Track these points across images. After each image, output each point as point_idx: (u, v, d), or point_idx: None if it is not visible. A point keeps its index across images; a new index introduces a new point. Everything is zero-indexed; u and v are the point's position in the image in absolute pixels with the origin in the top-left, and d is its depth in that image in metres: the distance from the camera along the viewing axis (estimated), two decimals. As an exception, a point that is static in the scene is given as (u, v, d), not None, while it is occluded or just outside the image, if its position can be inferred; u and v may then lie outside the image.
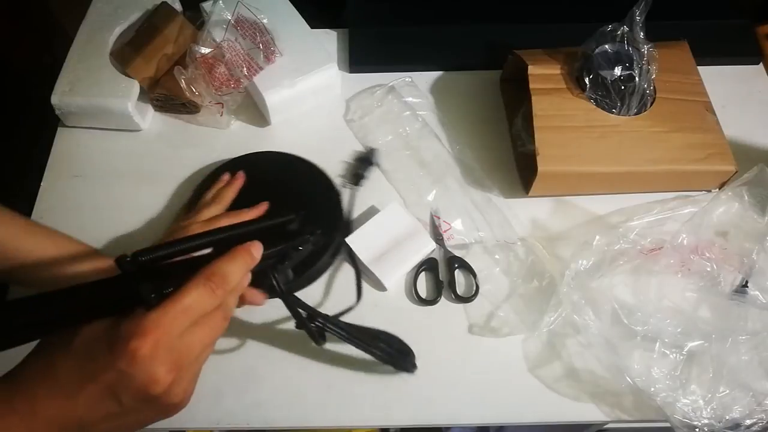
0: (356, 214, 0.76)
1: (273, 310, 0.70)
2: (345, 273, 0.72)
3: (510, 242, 0.73)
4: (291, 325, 0.68)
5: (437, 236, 0.74)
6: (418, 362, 0.65)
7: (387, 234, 0.72)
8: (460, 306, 0.70)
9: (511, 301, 0.70)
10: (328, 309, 0.68)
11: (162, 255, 0.38)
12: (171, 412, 0.38)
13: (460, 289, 0.71)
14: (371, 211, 0.76)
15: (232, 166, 0.76)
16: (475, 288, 0.70)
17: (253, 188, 0.73)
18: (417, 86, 0.87)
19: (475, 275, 0.71)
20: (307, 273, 0.70)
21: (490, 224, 0.75)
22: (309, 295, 0.70)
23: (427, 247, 0.72)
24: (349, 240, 0.70)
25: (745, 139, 0.82)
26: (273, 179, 0.75)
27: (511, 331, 0.67)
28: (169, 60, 0.82)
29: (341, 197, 0.76)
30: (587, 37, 0.75)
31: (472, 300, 0.70)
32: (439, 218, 0.76)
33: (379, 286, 0.70)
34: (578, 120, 0.73)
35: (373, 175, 0.79)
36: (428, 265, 0.72)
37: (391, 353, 0.62)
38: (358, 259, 0.70)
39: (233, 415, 0.64)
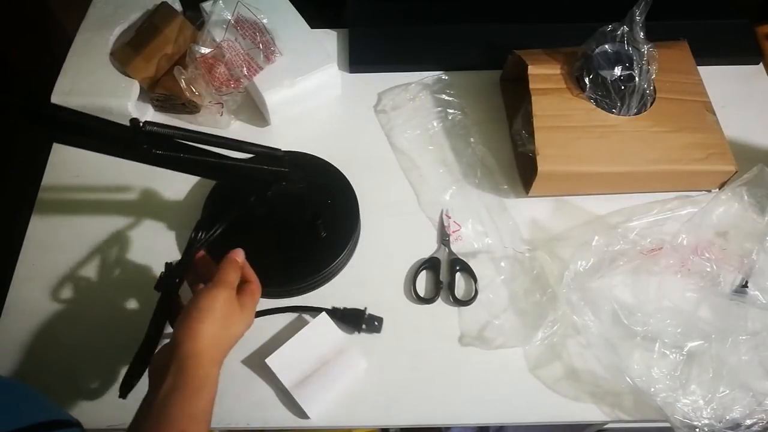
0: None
1: (272, 310, 0.70)
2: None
3: (518, 251, 0.73)
4: (291, 326, 0.69)
5: (444, 236, 0.74)
6: (416, 362, 0.66)
7: (313, 352, 0.65)
8: (457, 308, 0.70)
9: (508, 312, 0.69)
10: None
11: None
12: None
13: (459, 292, 0.71)
14: (298, 323, 0.69)
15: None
16: (473, 293, 0.70)
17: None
18: (453, 84, 0.87)
19: (476, 280, 0.71)
20: (325, 271, 0.70)
21: (500, 231, 0.75)
22: (323, 293, 0.71)
23: (357, 370, 0.65)
24: (269, 361, 0.64)
25: (745, 139, 0.82)
26: None
27: (503, 344, 0.67)
28: (169, 60, 0.82)
29: (357, 198, 0.75)
30: (587, 37, 0.75)
31: (470, 304, 0.70)
32: (449, 218, 0.76)
33: (301, 414, 0.63)
34: (578, 120, 0.73)
35: (389, 173, 0.80)
36: (430, 264, 0.72)
37: None
38: (278, 379, 0.64)
39: (233, 415, 0.64)
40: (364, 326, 0.67)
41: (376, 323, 0.68)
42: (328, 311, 0.68)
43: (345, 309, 0.69)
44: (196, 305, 0.53)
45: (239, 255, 0.60)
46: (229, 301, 0.55)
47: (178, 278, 0.60)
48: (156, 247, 0.74)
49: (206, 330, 0.52)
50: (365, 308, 0.68)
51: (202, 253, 0.62)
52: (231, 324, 0.54)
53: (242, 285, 0.59)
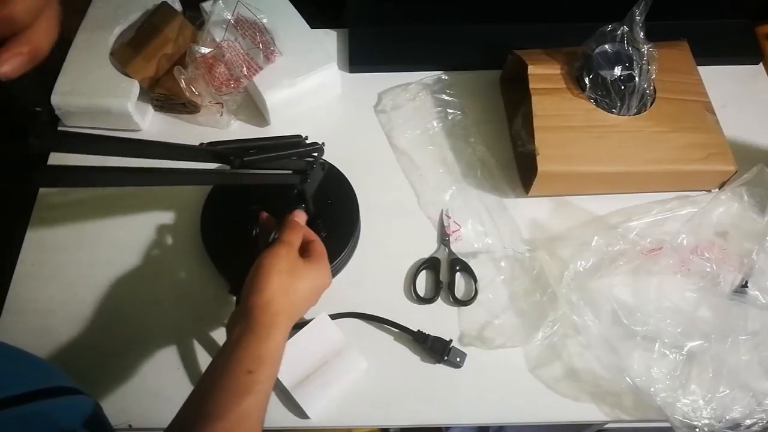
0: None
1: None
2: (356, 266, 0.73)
3: (518, 251, 0.73)
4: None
5: (444, 236, 0.74)
6: (416, 362, 0.66)
7: (312, 352, 0.65)
8: (457, 308, 0.70)
9: (508, 312, 0.69)
10: (347, 299, 0.69)
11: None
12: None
13: (459, 292, 0.71)
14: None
15: None
16: (473, 293, 0.70)
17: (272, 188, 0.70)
18: (453, 84, 0.87)
19: (476, 280, 0.71)
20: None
21: (500, 232, 0.75)
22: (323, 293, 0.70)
23: (357, 370, 0.65)
24: None
25: (745, 139, 0.82)
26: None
27: (503, 344, 0.67)
28: (169, 60, 0.82)
29: (357, 198, 0.75)
30: (587, 37, 0.75)
31: (470, 304, 0.70)
32: (449, 218, 0.76)
33: (301, 414, 0.63)
34: (578, 120, 0.74)
35: (389, 173, 0.80)
36: (430, 264, 0.72)
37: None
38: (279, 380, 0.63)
39: (233, 415, 0.63)
40: (446, 357, 0.65)
41: (458, 359, 0.66)
42: (414, 334, 0.67)
43: (434, 337, 0.66)
44: (260, 262, 0.56)
45: (300, 217, 0.63)
46: (291, 257, 0.57)
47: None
48: (156, 247, 0.74)
49: (270, 283, 0.54)
50: (451, 340, 0.67)
51: (265, 215, 0.66)
52: (296, 277, 0.57)
53: (307, 246, 0.62)
